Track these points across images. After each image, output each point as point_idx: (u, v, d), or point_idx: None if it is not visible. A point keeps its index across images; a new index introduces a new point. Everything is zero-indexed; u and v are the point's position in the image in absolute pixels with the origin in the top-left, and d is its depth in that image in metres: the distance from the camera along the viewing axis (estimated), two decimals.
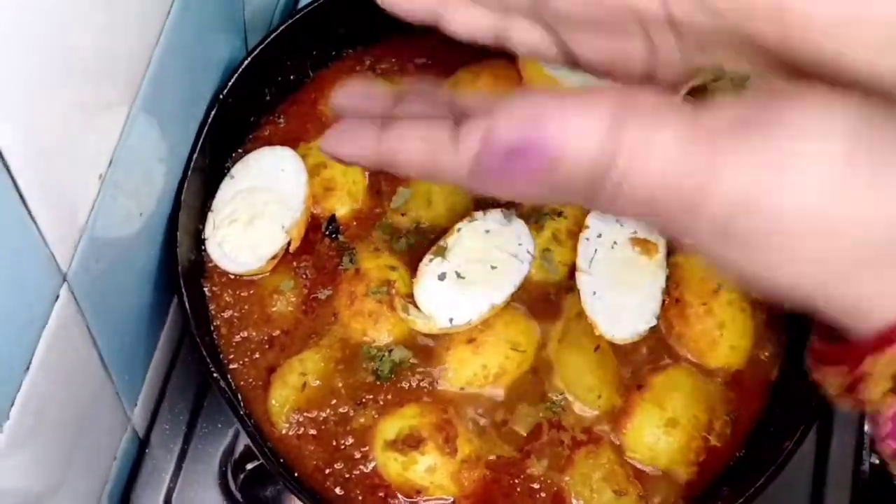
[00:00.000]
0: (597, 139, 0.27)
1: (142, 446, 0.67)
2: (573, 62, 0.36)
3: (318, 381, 0.62)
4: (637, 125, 0.27)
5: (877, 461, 0.65)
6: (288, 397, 0.61)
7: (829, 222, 0.27)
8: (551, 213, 0.66)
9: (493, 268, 0.63)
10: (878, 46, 0.27)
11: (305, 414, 0.61)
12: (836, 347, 0.31)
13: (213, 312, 0.64)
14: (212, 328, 0.64)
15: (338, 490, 0.60)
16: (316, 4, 0.68)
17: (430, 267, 0.63)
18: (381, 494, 0.60)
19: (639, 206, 0.28)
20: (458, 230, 0.64)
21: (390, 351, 0.62)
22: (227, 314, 0.64)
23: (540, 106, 0.28)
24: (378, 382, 0.62)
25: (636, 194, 0.28)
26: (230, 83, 0.64)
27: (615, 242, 0.65)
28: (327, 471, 0.61)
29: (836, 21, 0.28)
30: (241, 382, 0.63)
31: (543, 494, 0.61)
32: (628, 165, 0.27)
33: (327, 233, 0.66)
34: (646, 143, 0.27)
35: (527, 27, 0.36)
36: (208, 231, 0.65)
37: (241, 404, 0.61)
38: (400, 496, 0.60)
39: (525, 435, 0.62)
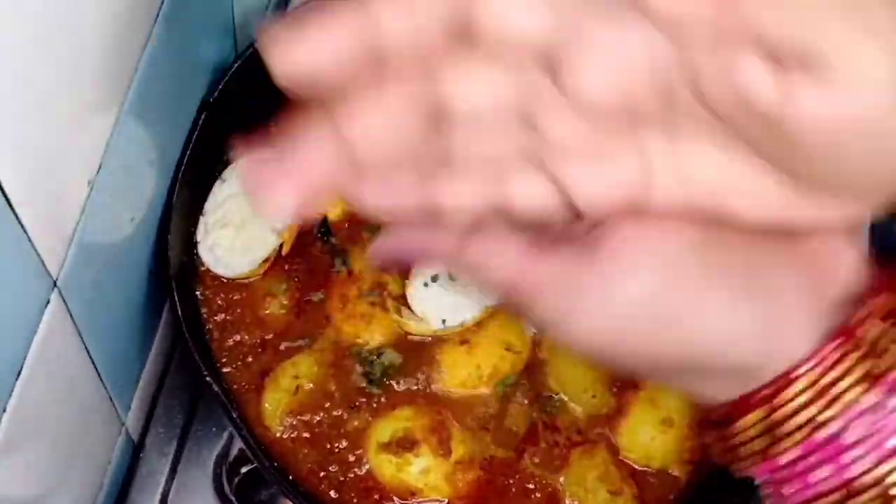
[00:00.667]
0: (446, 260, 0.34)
1: (136, 451, 0.67)
2: (573, 207, 0.32)
3: (311, 385, 0.62)
4: (475, 248, 0.33)
5: None
6: (281, 400, 0.61)
7: (622, 350, 0.32)
8: None
9: None
10: None
11: (299, 417, 0.61)
12: (709, 410, 0.34)
13: (205, 316, 0.64)
14: (204, 332, 0.64)
15: (332, 493, 0.60)
16: (307, 8, 0.68)
17: (422, 269, 0.63)
18: (375, 497, 0.60)
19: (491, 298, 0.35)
20: None
21: (380, 354, 0.62)
22: (219, 318, 0.64)
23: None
24: (370, 387, 0.62)
25: (483, 290, 0.34)
26: (220, 86, 0.64)
27: None
28: (321, 474, 0.60)
29: None
30: (235, 386, 0.63)
31: (538, 495, 0.61)
32: (471, 275, 0.33)
33: (319, 235, 0.66)
34: (483, 260, 0.33)
35: (529, 181, 0.30)
36: (200, 235, 0.65)
37: (235, 408, 0.61)
38: (395, 498, 0.60)
39: (519, 436, 0.62)
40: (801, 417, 0.31)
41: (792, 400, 0.31)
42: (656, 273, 0.30)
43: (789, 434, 0.31)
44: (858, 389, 0.30)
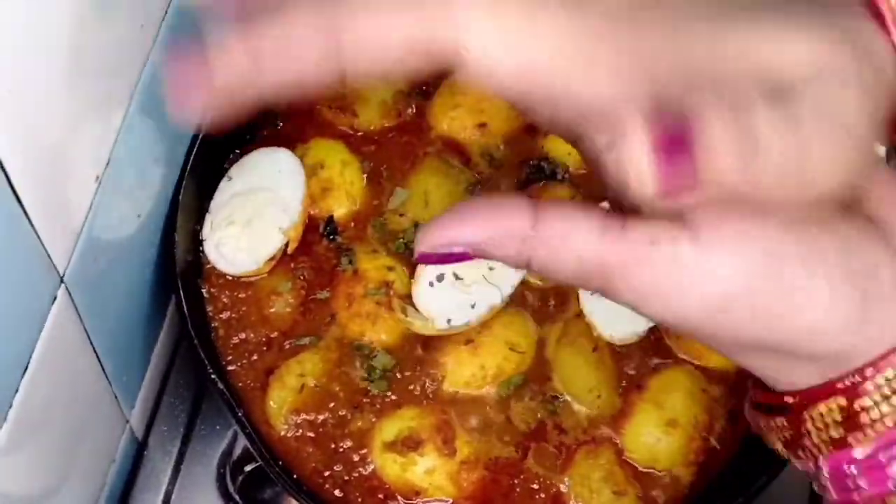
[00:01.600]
0: (513, 249, 0.30)
1: (140, 448, 0.67)
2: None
3: (316, 383, 0.62)
4: (548, 234, 0.30)
5: None
6: (286, 399, 0.61)
7: (710, 331, 0.30)
8: None
9: (490, 269, 0.63)
10: None
11: (304, 416, 0.61)
12: (775, 395, 0.32)
13: (210, 314, 0.64)
14: (209, 330, 0.63)
15: (337, 492, 0.60)
16: None
17: (427, 268, 0.63)
18: (380, 496, 0.60)
19: (562, 281, 0.31)
20: None
21: (374, 357, 0.62)
22: (224, 316, 0.64)
23: (458, 223, 0.31)
24: (371, 386, 0.62)
25: (556, 277, 0.31)
26: None
27: None
28: (326, 473, 0.60)
29: None
30: (239, 384, 0.62)
31: (542, 495, 0.61)
32: (542, 265, 0.30)
33: (325, 234, 0.66)
34: (559, 243, 0.30)
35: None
36: (206, 233, 0.65)
37: (240, 406, 0.61)
38: (399, 498, 0.60)
39: (524, 436, 0.62)
40: (886, 407, 0.29)
41: (880, 388, 0.30)
42: (760, 250, 0.28)
43: (871, 423, 0.30)
44: None
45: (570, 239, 0.30)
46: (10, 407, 0.44)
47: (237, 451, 0.66)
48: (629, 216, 0.30)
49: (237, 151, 0.68)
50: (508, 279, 0.63)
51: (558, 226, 0.30)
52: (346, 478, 0.60)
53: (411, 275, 0.64)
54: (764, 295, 0.29)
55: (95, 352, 0.54)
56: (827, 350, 0.30)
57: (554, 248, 0.30)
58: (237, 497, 0.65)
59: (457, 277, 0.62)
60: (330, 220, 0.67)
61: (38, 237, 0.43)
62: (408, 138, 0.70)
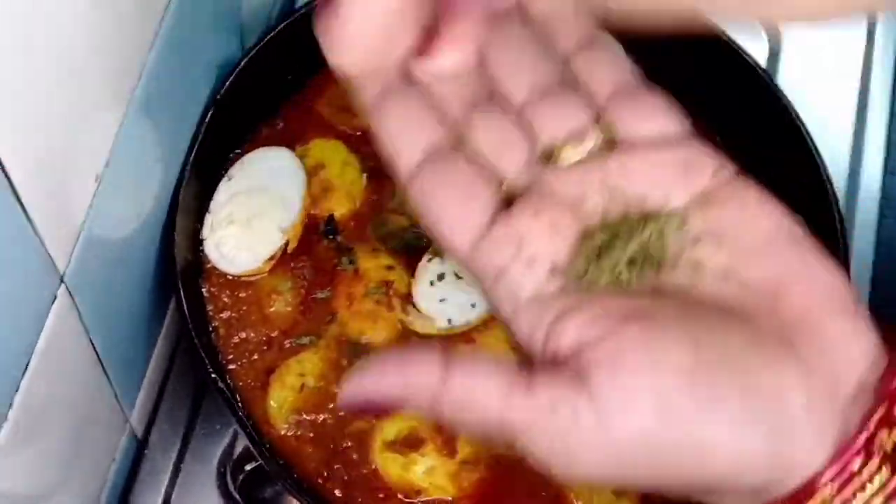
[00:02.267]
0: (425, 404, 0.31)
1: (140, 448, 0.67)
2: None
3: (316, 383, 0.62)
4: (455, 391, 0.30)
5: None
6: (286, 398, 0.61)
7: (626, 481, 0.32)
8: None
9: None
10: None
11: (304, 415, 0.61)
12: None
13: (210, 313, 0.64)
14: (210, 329, 0.63)
15: (337, 492, 0.60)
16: (314, 4, 0.68)
17: (428, 267, 0.63)
18: (380, 496, 0.60)
19: (474, 436, 0.34)
20: None
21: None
22: (224, 315, 0.64)
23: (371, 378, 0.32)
24: None
25: (466, 432, 0.34)
26: (227, 83, 0.64)
27: None
28: (326, 472, 0.60)
29: None
30: (240, 383, 0.62)
31: (543, 494, 0.61)
32: (451, 420, 0.31)
33: (325, 233, 0.66)
34: (466, 401, 0.30)
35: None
36: (206, 232, 0.65)
37: (240, 405, 0.61)
38: (400, 497, 0.60)
39: None
40: None
41: None
42: (653, 407, 0.29)
43: None
44: (880, 499, 0.29)
45: (476, 397, 0.30)
46: (11, 406, 0.44)
47: (238, 450, 0.66)
48: (537, 373, 0.30)
49: (237, 151, 0.68)
50: None
51: (466, 383, 0.30)
52: (347, 477, 0.60)
53: (412, 274, 0.64)
54: (665, 441, 0.29)
55: (96, 351, 0.54)
56: (750, 484, 0.30)
57: (461, 404, 0.30)
58: (238, 496, 0.65)
59: (458, 277, 0.62)
60: (330, 219, 0.67)
61: (39, 236, 0.43)
62: None
